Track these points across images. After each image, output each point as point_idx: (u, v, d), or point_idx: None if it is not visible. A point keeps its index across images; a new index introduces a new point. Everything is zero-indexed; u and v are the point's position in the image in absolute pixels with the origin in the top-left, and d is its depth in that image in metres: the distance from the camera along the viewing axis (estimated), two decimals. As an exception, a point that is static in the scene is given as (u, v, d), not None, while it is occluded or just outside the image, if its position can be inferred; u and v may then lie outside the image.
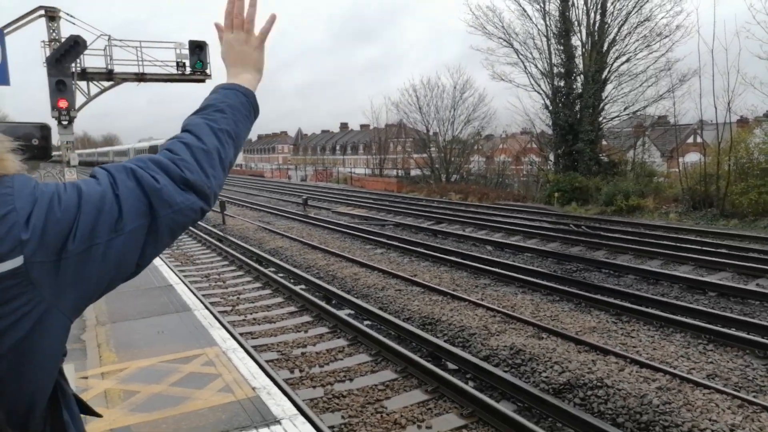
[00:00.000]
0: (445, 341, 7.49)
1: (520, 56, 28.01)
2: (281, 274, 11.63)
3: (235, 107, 1.29)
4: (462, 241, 15.36)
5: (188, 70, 18.83)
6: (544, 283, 10.05)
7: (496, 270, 11.15)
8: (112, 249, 0.97)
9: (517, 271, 11.20)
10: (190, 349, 5.50)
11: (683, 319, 7.78)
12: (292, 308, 9.29)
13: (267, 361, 6.75)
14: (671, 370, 6.11)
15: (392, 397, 5.91)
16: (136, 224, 1.00)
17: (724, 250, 12.73)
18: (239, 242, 15.59)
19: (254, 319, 8.83)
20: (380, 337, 7.28)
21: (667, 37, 24.45)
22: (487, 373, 6.17)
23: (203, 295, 9.95)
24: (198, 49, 18.65)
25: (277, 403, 4.33)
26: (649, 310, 8.28)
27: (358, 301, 9.23)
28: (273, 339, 7.82)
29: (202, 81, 19.35)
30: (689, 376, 5.93)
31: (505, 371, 6.45)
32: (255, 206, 25.72)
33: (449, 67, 70.70)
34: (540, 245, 14.35)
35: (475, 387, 5.97)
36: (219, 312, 8.95)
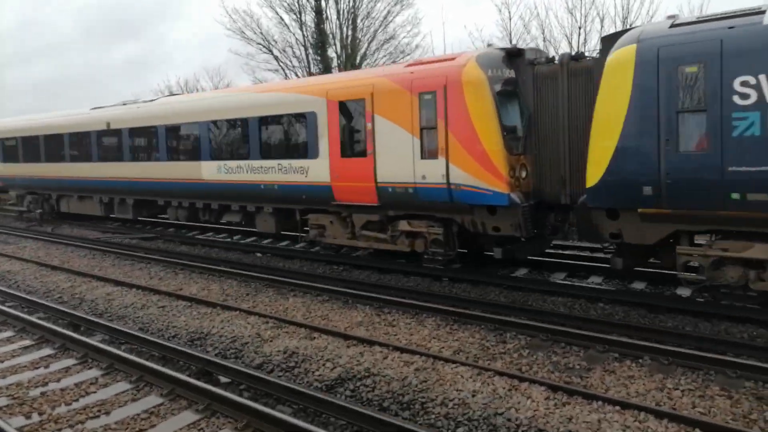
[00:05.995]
0: (215, 355, 7.17)
1: (281, 63, 28.50)
2: (10, 303, 9.75)
3: None
4: (230, 249, 14.87)
5: None
6: (315, 284, 10.32)
7: (267, 276, 11.09)
8: None
9: (288, 275, 11.30)
10: None
11: (434, 305, 8.77)
12: (27, 342, 7.86)
13: (-7, 410, 5.58)
14: (425, 351, 6.85)
15: (158, 424, 5.42)
16: None
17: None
18: (-53, 269, 12.59)
19: (-27, 361, 7.22)
20: (141, 361, 6.62)
21: (408, 55, 27.50)
22: (262, 381, 6.09)
23: None
24: None
25: (8, 458, 3.60)
26: (405, 300, 9.14)
27: (113, 324, 8.26)
28: (0, 382, 6.50)
29: None
30: (439, 355, 6.73)
31: (279, 376, 6.46)
32: (-30, 224, 21.07)
33: (208, 70, 67.49)
34: (308, 248, 14.72)
35: (249, 397, 5.84)
36: None
